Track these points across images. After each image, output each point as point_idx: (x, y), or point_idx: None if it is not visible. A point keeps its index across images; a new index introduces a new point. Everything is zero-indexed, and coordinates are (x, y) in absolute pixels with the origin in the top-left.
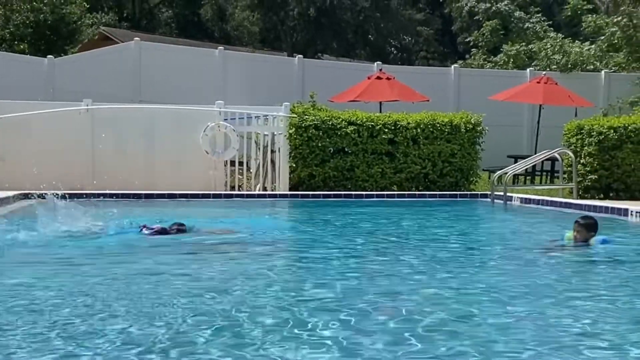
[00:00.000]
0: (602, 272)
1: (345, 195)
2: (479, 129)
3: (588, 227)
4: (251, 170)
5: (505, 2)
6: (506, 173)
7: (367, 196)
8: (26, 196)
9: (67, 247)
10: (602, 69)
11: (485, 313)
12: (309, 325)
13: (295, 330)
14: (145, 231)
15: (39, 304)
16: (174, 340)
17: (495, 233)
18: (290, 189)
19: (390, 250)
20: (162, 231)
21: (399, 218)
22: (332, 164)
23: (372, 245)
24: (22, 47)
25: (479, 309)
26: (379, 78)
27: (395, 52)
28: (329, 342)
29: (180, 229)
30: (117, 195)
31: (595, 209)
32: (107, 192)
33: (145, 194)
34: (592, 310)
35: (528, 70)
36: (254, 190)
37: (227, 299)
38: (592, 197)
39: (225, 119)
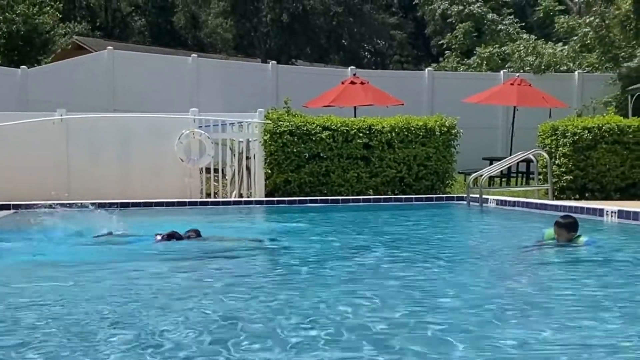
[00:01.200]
0: (599, 272)
1: (322, 201)
2: (453, 131)
3: (568, 226)
4: (227, 177)
5: (478, 5)
6: (481, 175)
7: (343, 201)
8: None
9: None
10: (575, 70)
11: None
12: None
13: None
14: (157, 237)
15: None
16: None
17: (471, 235)
18: (266, 195)
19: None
20: (177, 237)
21: (372, 222)
22: (307, 169)
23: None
24: None
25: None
26: (352, 83)
27: (369, 56)
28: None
29: (197, 234)
30: (92, 205)
31: (570, 209)
32: (82, 201)
33: (121, 203)
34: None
35: (502, 72)
36: (230, 197)
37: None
38: (568, 198)
39: (199, 126)
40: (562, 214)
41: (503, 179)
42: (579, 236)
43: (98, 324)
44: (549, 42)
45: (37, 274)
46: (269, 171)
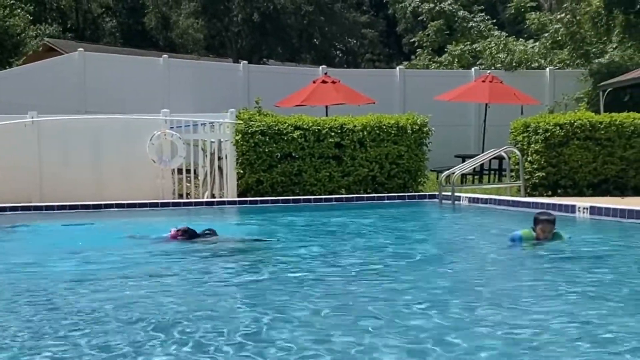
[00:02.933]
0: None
1: (294, 200)
2: (425, 129)
3: (554, 221)
4: (199, 178)
5: (449, 2)
6: (453, 173)
7: (316, 200)
8: None
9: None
10: (546, 66)
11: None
12: None
13: None
14: (172, 232)
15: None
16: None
17: (441, 232)
18: (238, 196)
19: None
20: (193, 234)
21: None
22: (279, 169)
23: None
24: None
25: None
26: (324, 82)
27: (340, 55)
28: None
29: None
30: (64, 207)
31: (542, 206)
32: (55, 203)
33: (93, 205)
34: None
35: (473, 69)
36: (202, 198)
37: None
38: (540, 195)
39: (171, 127)
40: (537, 210)
41: (475, 177)
42: (557, 232)
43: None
44: (520, 39)
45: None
46: (241, 171)
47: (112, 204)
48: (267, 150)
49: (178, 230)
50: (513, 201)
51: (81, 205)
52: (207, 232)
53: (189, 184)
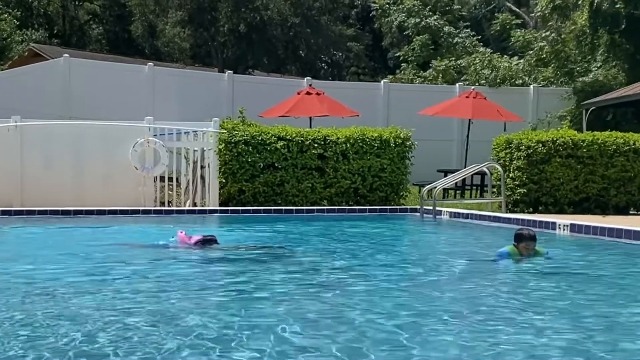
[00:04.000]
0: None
1: (275, 211)
2: (408, 143)
3: (535, 238)
4: (181, 186)
5: (435, 17)
6: (435, 187)
7: (297, 211)
8: None
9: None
10: (530, 84)
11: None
12: None
13: None
14: (185, 239)
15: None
16: None
17: (419, 246)
18: (220, 205)
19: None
20: (205, 241)
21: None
22: (261, 179)
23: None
24: None
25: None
26: (308, 93)
27: (326, 67)
28: None
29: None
30: (45, 212)
31: (523, 222)
32: (36, 208)
33: (74, 210)
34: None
35: (457, 85)
36: (184, 206)
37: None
38: (522, 211)
39: (154, 135)
40: (517, 227)
41: (457, 192)
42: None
43: None
44: (505, 56)
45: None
46: (224, 180)
47: (93, 210)
48: (249, 160)
49: (192, 238)
50: (494, 217)
51: (62, 210)
52: (208, 237)
53: (171, 192)
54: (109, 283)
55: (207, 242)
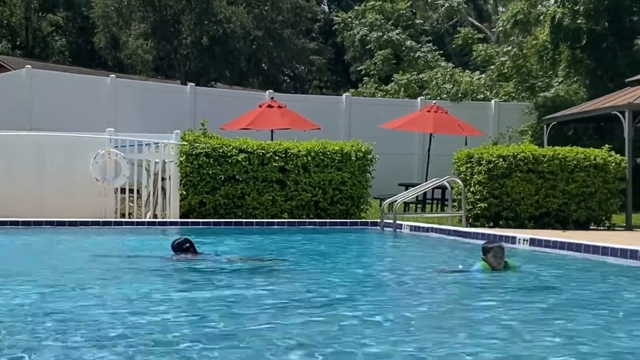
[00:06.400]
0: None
1: (236, 223)
2: (369, 157)
3: (503, 248)
4: (142, 198)
5: (397, 32)
6: (396, 201)
7: (258, 224)
8: None
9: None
10: (492, 98)
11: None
12: None
13: None
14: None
15: None
16: None
17: (374, 259)
18: (180, 217)
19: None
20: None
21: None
22: (222, 191)
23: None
24: None
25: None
26: (270, 106)
27: (288, 80)
28: None
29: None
30: (5, 223)
31: (483, 236)
32: None
33: (34, 221)
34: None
35: (419, 99)
36: (144, 218)
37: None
38: (482, 225)
39: (116, 146)
40: (478, 241)
41: (418, 205)
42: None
43: None
44: (467, 71)
45: None
46: (184, 192)
47: (54, 221)
48: (210, 172)
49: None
50: (454, 231)
51: (22, 221)
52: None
53: (131, 204)
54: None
55: (182, 249)
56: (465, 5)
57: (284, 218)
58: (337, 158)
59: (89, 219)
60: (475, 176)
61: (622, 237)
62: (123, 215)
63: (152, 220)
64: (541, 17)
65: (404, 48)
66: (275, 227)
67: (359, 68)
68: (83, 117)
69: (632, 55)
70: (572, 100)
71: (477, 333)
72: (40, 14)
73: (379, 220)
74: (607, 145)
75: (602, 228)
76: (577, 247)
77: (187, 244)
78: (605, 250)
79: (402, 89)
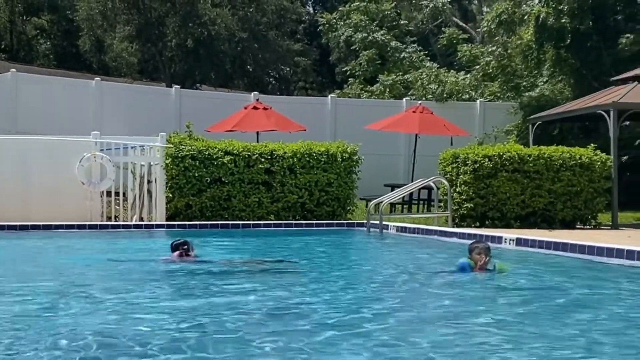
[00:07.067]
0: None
1: (222, 226)
2: (355, 158)
3: (489, 248)
4: (128, 201)
5: (382, 33)
6: (382, 202)
7: (244, 226)
8: None
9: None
10: (477, 98)
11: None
12: None
13: None
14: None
15: None
16: None
17: (361, 260)
18: (167, 220)
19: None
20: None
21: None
22: (208, 193)
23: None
24: None
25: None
26: (255, 108)
27: (273, 82)
28: None
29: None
30: None
31: (470, 236)
32: None
33: (20, 226)
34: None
35: (404, 99)
36: (131, 221)
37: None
38: (469, 226)
39: (101, 150)
40: (465, 241)
41: (404, 206)
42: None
43: None
44: (452, 71)
45: None
46: (170, 195)
47: (39, 225)
48: (196, 174)
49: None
50: (441, 231)
51: (7, 225)
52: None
53: (117, 207)
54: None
55: (182, 251)
56: (450, 6)
57: (271, 220)
58: (323, 159)
59: (75, 223)
60: (461, 176)
61: (609, 236)
62: (109, 219)
63: (138, 223)
64: (525, 17)
65: (389, 49)
66: (261, 228)
67: (344, 69)
68: (68, 121)
69: (617, 54)
70: (557, 99)
71: (460, 336)
72: (24, 17)
73: (365, 222)
74: (592, 145)
75: (588, 227)
76: (564, 247)
77: (185, 246)
78: (592, 250)
79: (388, 90)
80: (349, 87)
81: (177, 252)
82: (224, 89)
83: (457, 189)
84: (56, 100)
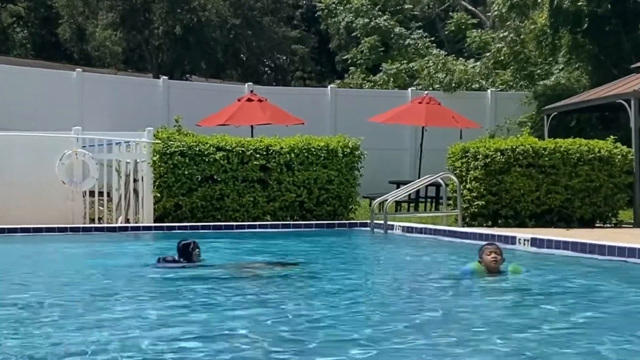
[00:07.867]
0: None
1: (215, 227)
2: (357, 153)
3: (500, 249)
4: (113, 201)
5: (385, 18)
6: (387, 200)
7: (238, 227)
8: None
9: None
10: (488, 88)
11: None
12: None
13: None
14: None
15: None
16: None
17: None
18: (155, 221)
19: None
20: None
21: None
22: (199, 193)
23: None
24: None
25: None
26: (249, 100)
27: (269, 72)
28: None
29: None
30: None
31: (481, 236)
32: None
33: None
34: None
35: (409, 89)
36: (116, 223)
37: None
38: (480, 225)
39: (83, 146)
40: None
41: (411, 204)
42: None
43: None
44: (460, 58)
45: None
46: (158, 195)
47: (17, 228)
48: (186, 172)
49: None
50: (450, 231)
51: None
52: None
53: (101, 208)
54: None
55: (188, 254)
56: None
57: (267, 220)
58: (322, 155)
59: (56, 225)
60: (472, 172)
61: (631, 235)
62: (92, 221)
63: (124, 225)
64: (539, 0)
65: (392, 35)
66: (257, 230)
67: (344, 57)
68: (48, 115)
69: (637, 39)
70: (574, 88)
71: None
72: None
73: (368, 221)
74: (612, 137)
75: (608, 225)
76: (582, 247)
77: (196, 249)
78: (612, 250)
79: (392, 79)
80: (350, 76)
81: (169, 258)
82: (215, 79)
83: (467, 186)
84: (34, 93)
